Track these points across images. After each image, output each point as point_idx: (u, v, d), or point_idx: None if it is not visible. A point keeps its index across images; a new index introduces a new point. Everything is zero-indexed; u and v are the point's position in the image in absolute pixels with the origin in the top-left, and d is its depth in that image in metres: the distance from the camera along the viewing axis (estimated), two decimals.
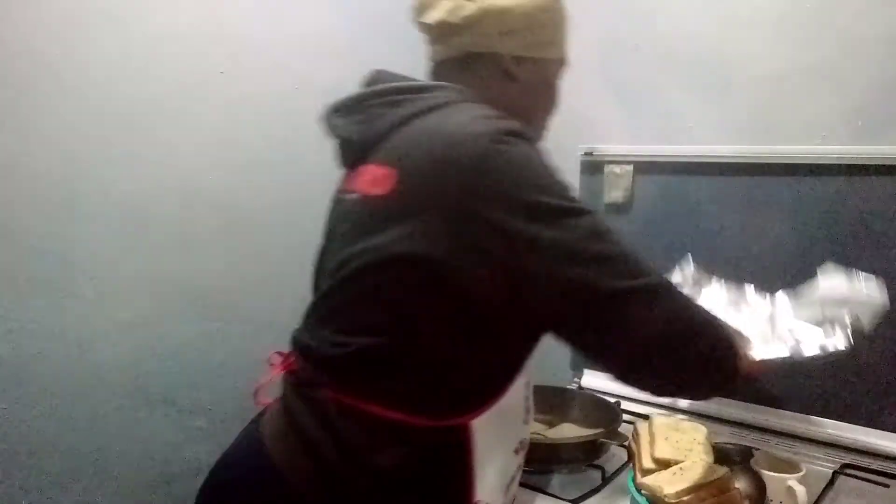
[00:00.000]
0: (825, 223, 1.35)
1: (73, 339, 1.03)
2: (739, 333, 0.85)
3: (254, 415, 0.92)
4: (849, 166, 1.31)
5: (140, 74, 1.07)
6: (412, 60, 1.49)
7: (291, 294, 1.34)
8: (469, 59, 0.89)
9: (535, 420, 1.34)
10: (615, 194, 1.60)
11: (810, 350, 0.97)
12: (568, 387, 1.54)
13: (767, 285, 1.42)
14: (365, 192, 0.81)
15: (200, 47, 1.15)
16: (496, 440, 0.82)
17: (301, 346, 0.86)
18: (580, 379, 1.65)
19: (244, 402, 1.26)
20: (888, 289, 1.29)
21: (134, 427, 1.12)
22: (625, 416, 1.27)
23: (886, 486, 1.16)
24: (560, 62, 0.96)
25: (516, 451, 0.88)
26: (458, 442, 0.79)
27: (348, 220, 0.84)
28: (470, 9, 0.85)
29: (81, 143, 1.02)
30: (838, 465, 1.19)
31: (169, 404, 1.16)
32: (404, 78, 0.88)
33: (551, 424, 1.33)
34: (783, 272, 1.41)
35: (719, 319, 0.82)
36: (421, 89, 0.85)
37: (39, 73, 0.97)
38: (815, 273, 1.37)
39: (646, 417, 1.23)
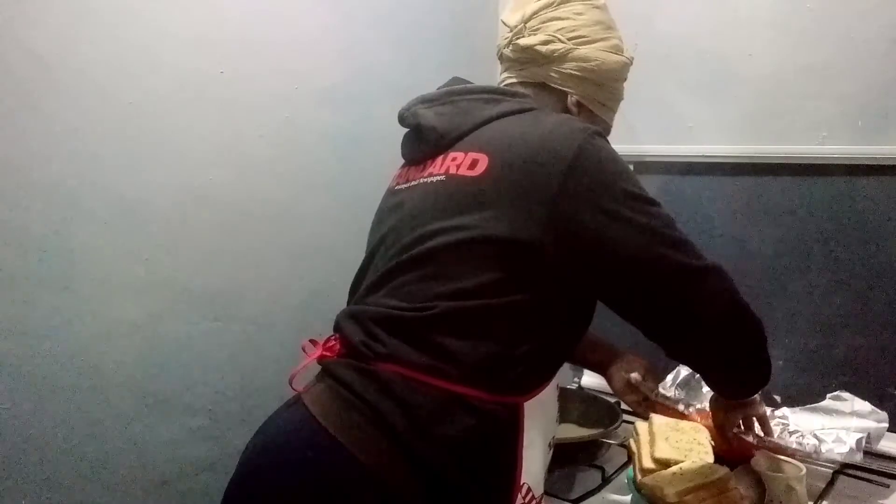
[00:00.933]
0: (825, 223, 1.35)
1: (73, 339, 1.03)
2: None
3: (264, 411, 0.91)
4: (849, 166, 1.31)
5: (140, 74, 1.07)
6: (411, 61, 1.49)
7: (291, 294, 1.35)
8: (541, 89, 0.99)
9: None
10: None
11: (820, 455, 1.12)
12: (568, 387, 1.54)
13: (767, 285, 1.42)
14: (453, 174, 0.87)
15: (200, 47, 1.15)
16: (539, 426, 0.89)
17: (351, 327, 0.87)
18: (580, 379, 1.65)
19: (244, 402, 1.27)
20: (888, 288, 1.30)
21: (133, 427, 1.12)
22: (625, 416, 1.27)
23: (886, 486, 1.16)
24: (607, 129, 1.04)
25: (550, 446, 0.95)
26: (512, 420, 0.84)
27: (427, 199, 0.89)
28: (560, 47, 0.96)
29: (81, 143, 1.02)
30: (838, 466, 1.19)
31: (169, 404, 1.16)
32: (481, 86, 0.97)
33: None
34: (783, 272, 1.41)
35: None
36: (513, 94, 0.95)
37: (39, 73, 0.97)
38: (816, 273, 1.37)
39: (646, 418, 1.23)
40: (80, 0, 1.00)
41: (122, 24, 1.05)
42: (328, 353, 0.88)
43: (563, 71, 0.97)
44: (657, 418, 1.17)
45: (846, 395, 1.23)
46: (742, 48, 1.42)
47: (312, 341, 0.91)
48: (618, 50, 1.01)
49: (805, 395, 1.29)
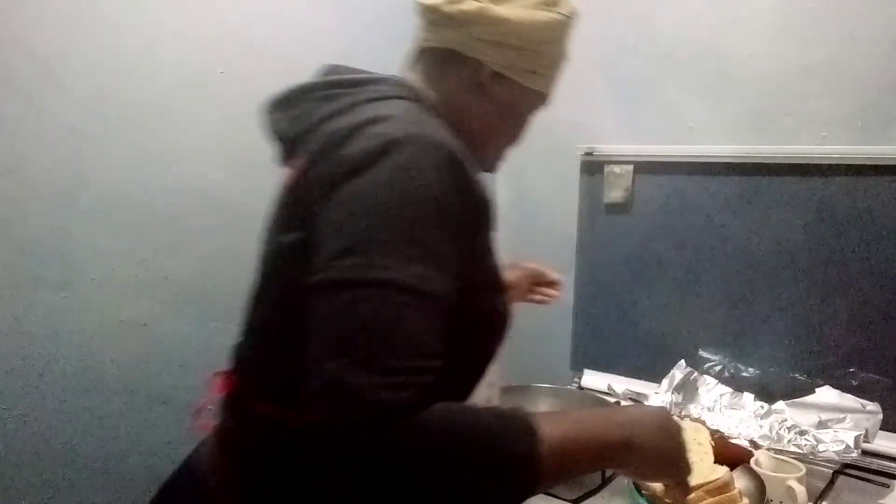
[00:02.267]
0: (825, 223, 1.35)
1: (73, 339, 1.03)
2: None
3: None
4: (849, 166, 1.31)
5: (140, 74, 1.07)
6: None
7: None
8: (451, 56, 0.82)
9: None
10: (615, 194, 1.60)
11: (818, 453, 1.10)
12: (568, 387, 1.54)
13: (767, 285, 1.42)
14: (281, 186, 0.77)
15: (200, 47, 1.15)
16: None
17: (235, 364, 0.82)
18: (580, 379, 1.65)
19: None
20: (888, 288, 1.30)
21: (134, 427, 1.12)
22: None
23: (886, 486, 1.16)
24: (540, 97, 0.89)
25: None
26: None
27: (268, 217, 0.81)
28: (469, 5, 0.79)
29: (81, 143, 1.02)
30: (838, 465, 1.19)
31: (169, 404, 1.16)
32: (353, 72, 0.83)
33: None
34: (783, 272, 1.41)
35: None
36: (358, 83, 0.79)
37: (39, 73, 0.97)
38: (816, 272, 1.37)
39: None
40: (81, 0, 1.00)
41: (123, 24, 1.05)
42: (224, 391, 0.82)
43: (476, 36, 0.80)
44: None
45: (842, 393, 1.24)
46: (742, 48, 1.42)
47: (219, 373, 0.84)
48: (547, 4, 0.83)
49: (803, 393, 1.29)
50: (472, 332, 0.73)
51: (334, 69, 0.85)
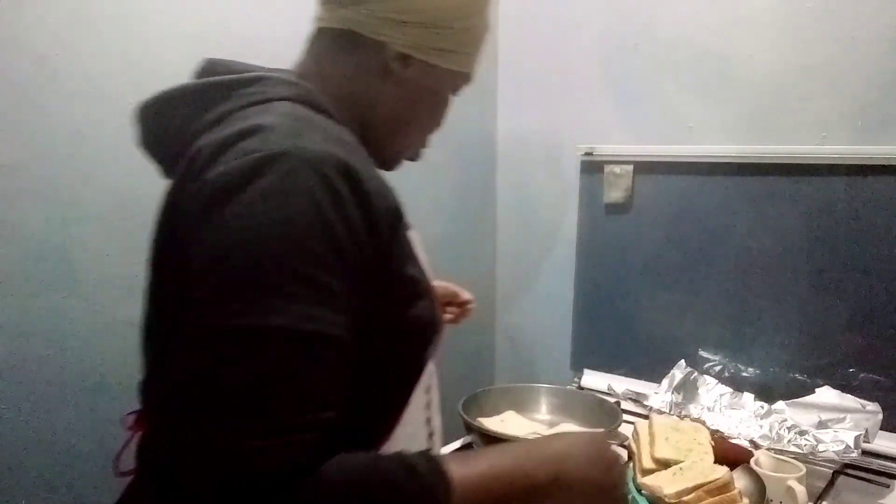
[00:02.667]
0: (825, 223, 1.35)
1: (73, 339, 1.03)
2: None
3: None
4: (849, 166, 1.31)
5: (140, 74, 1.07)
6: None
7: None
8: (349, 38, 0.73)
9: (535, 420, 1.34)
10: (615, 194, 1.60)
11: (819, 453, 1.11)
12: (568, 387, 1.54)
13: (767, 285, 1.42)
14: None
15: (200, 47, 1.15)
16: None
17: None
18: (580, 379, 1.65)
19: None
20: (888, 288, 1.30)
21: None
22: (625, 416, 1.27)
23: (886, 486, 1.16)
24: (462, 77, 0.80)
25: None
26: None
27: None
28: None
29: (81, 143, 1.02)
30: (838, 465, 1.19)
31: None
32: (233, 68, 0.73)
33: (551, 424, 1.33)
34: (783, 272, 1.41)
35: None
36: (235, 84, 0.69)
37: (39, 73, 0.97)
38: (815, 272, 1.37)
39: (646, 417, 1.23)
40: (81, 0, 1.00)
41: (123, 24, 1.05)
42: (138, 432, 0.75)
43: (376, 15, 0.71)
44: (657, 418, 1.17)
45: (842, 393, 1.24)
46: (742, 48, 1.42)
47: (135, 412, 0.77)
48: None
49: (802, 392, 1.29)
50: (395, 343, 0.69)
51: (211, 66, 0.74)
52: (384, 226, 0.63)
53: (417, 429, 0.77)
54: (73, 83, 1.00)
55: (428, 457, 0.60)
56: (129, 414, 0.74)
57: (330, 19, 0.75)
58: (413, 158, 0.86)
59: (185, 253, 0.60)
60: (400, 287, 0.68)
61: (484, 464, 0.63)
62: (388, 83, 0.75)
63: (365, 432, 0.69)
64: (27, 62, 0.95)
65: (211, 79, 0.70)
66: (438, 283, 1.13)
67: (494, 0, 1.79)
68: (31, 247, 0.98)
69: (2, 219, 0.95)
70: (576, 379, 1.66)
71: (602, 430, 1.00)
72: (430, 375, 0.78)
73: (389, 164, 0.84)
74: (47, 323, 1.00)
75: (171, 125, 0.70)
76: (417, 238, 0.79)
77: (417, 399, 0.75)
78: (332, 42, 0.75)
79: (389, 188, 0.66)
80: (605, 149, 1.61)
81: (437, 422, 0.82)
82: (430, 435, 0.80)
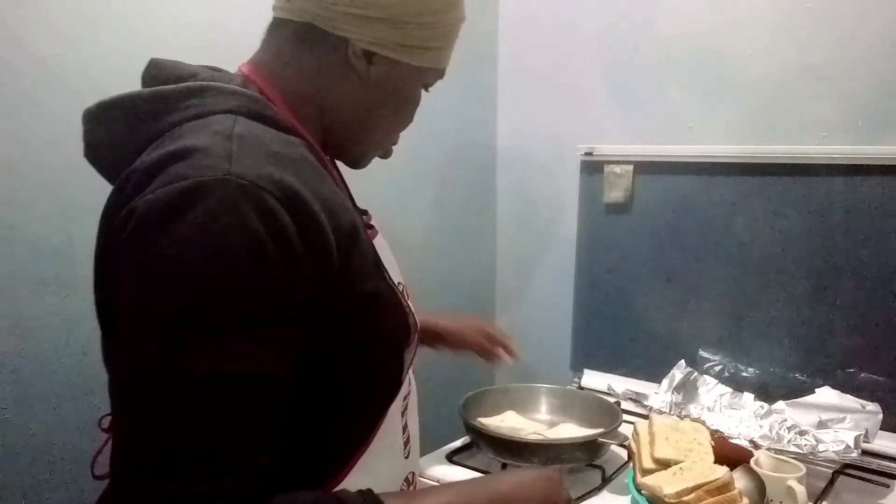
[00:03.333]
0: (825, 223, 1.35)
1: (73, 339, 1.03)
2: None
3: None
4: (849, 166, 1.31)
5: (140, 74, 1.07)
6: None
7: None
8: (310, 32, 0.70)
9: (536, 420, 1.34)
10: (615, 194, 1.60)
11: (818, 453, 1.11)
12: (568, 387, 1.54)
13: (767, 285, 1.42)
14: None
15: (200, 47, 1.15)
16: (377, 488, 0.64)
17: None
18: (580, 379, 1.65)
19: None
20: (888, 288, 1.30)
21: None
22: (625, 416, 1.27)
23: (886, 486, 1.16)
24: (433, 73, 0.77)
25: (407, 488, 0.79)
26: None
27: None
28: None
29: (81, 143, 1.02)
30: (838, 465, 1.19)
31: None
32: (176, 73, 0.69)
33: (551, 424, 1.33)
34: (783, 272, 1.41)
35: None
36: (180, 96, 0.65)
37: (39, 73, 0.97)
38: (815, 272, 1.37)
39: (646, 417, 1.23)
40: (81, 0, 1.00)
41: (123, 24, 1.05)
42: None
43: (336, 9, 0.68)
44: (657, 418, 1.17)
45: (842, 393, 1.24)
46: (742, 48, 1.42)
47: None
48: None
49: (802, 392, 1.29)
50: (367, 359, 0.68)
51: (155, 69, 0.70)
52: (337, 246, 0.61)
53: (394, 439, 0.76)
54: (73, 83, 1.00)
55: (367, 496, 0.60)
56: (105, 416, 0.71)
57: (289, 10, 0.71)
58: (384, 156, 0.83)
59: (115, 279, 0.58)
60: (360, 306, 0.66)
61: (427, 502, 0.64)
62: (352, 80, 0.72)
63: (339, 447, 0.68)
64: (27, 62, 0.95)
65: (148, 90, 0.65)
66: (479, 323, 1.17)
67: (494, 1, 1.80)
68: (31, 247, 0.98)
69: (2, 219, 0.95)
70: (576, 379, 1.66)
71: (556, 467, 0.95)
72: (407, 382, 0.77)
73: (357, 163, 0.82)
74: (47, 323, 1.00)
75: (108, 139, 0.67)
76: (381, 239, 0.78)
77: (394, 408, 0.74)
78: (292, 35, 0.71)
79: (341, 204, 0.64)
80: (605, 149, 1.61)
81: (413, 426, 0.81)
82: (406, 442, 0.79)
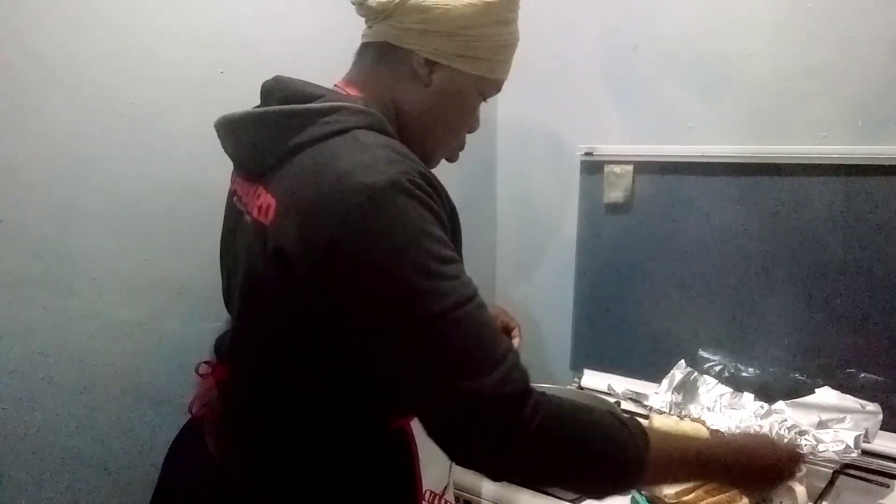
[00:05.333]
0: (825, 223, 1.35)
1: (73, 339, 1.03)
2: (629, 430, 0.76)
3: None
4: (849, 166, 1.31)
5: (140, 74, 1.07)
6: None
7: None
8: (386, 49, 0.86)
9: None
10: (615, 194, 1.60)
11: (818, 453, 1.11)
12: (568, 387, 1.54)
13: (767, 285, 1.42)
14: (256, 218, 0.79)
15: (200, 47, 1.15)
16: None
17: (232, 358, 0.91)
18: (580, 379, 1.65)
19: None
20: (888, 288, 1.30)
21: (133, 427, 1.12)
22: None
23: (886, 486, 1.16)
24: (489, 83, 0.91)
25: None
26: (402, 444, 0.86)
27: (245, 240, 0.83)
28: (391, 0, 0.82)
29: (81, 143, 1.02)
30: (838, 465, 1.19)
31: (169, 404, 1.16)
32: (305, 87, 0.83)
33: None
34: (783, 272, 1.41)
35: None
36: (317, 113, 0.78)
37: (39, 73, 0.97)
38: (815, 272, 1.37)
39: (646, 417, 1.23)
40: (81, 0, 1.00)
41: (123, 24, 1.05)
42: (220, 380, 0.92)
43: (403, 26, 0.83)
44: (657, 418, 1.17)
45: (842, 393, 1.24)
46: (742, 48, 1.42)
47: (209, 362, 0.96)
48: None
49: (802, 392, 1.29)
50: None
51: (275, 83, 0.87)
52: (450, 217, 0.78)
53: None
54: (73, 83, 1.00)
55: (635, 420, 0.76)
56: (202, 363, 0.94)
57: (371, 35, 0.87)
58: (451, 159, 0.98)
59: (312, 273, 0.71)
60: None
61: (680, 442, 0.82)
62: (419, 87, 0.86)
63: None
64: (27, 62, 0.95)
65: (295, 107, 0.79)
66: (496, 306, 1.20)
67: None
68: (31, 247, 0.98)
69: (2, 219, 0.95)
70: (576, 379, 1.66)
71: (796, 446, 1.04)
72: None
73: (428, 164, 0.92)
74: (47, 323, 1.00)
75: (253, 141, 0.82)
76: None
77: None
78: (374, 54, 0.87)
79: (444, 189, 0.80)
80: (605, 149, 1.61)
81: None
82: None
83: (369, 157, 0.72)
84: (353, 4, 0.88)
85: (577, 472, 0.73)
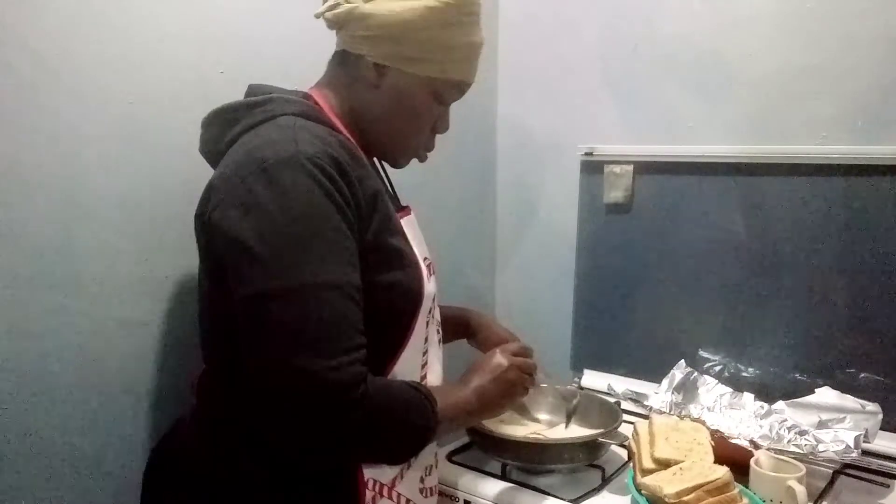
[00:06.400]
0: (825, 223, 1.35)
1: (73, 339, 1.03)
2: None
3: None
4: (849, 166, 1.31)
5: (140, 74, 1.07)
6: None
7: None
8: (344, 56, 0.94)
9: (535, 420, 1.34)
10: (615, 194, 1.60)
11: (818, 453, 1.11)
12: (568, 387, 1.54)
13: (767, 285, 1.42)
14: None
15: (200, 47, 1.15)
16: None
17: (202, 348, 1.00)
18: (580, 379, 1.65)
19: None
20: (888, 288, 1.30)
21: (134, 427, 1.12)
22: (625, 416, 1.27)
23: (886, 486, 1.16)
24: (441, 83, 0.94)
25: None
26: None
27: None
28: (341, 8, 0.89)
29: (81, 143, 1.02)
30: (838, 465, 1.19)
31: (169, 404, 1.16)
32: (257, 92, 0.92)
33: (551, 424, 1.33)
34: (783, 272, 1.41)
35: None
36: (254, 105, 0.88)
37: (39, 73, 0.97)
38: (814, 272, 1.37)
39: (646, 417, 1.23)
40: (81, 0, 1.00)
41: (123, 23, 1.05)
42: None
43: (356, 34, 0.90)
44: (657, 418, 1.17)
45: (842, 393, 1.24)
46: (742, 48, 1.42)
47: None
48: None
49: (802, 392, 1.29)
50: (377, 302, 0.84)
51: (252, 90, 0.94)
52: (366, 202, 0.83)
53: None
54: (73, 83, 1.00)
55: (425, 389, 0.87)
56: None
57: (337, 43, 0.95)
58: (420, 159, 1.03)
59: (213, 244, 0.84)
60: (376, 253, 0.85)
61: (450, 395, 0.93)
62: (372, 91, 0.92)
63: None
64: (27, 61, 0.95)
65: (234, 101, 0.90)
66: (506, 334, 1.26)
67: (494, 1, 1.80)
68: (31, 247, 0.98)
69: (2, 219, 0.95)
70: (576, 379, 1.66)
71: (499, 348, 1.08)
72: (422, 340, 0.95)
73: (395, 163, 1.03)
74: (47, 323, 1.00)
75: (211, 136, 0.93)
76: (412, 221, 1.00)
77: (411, 358, 0.93)
78: (337, 60, 0.96)
79: (367, 175, 0.86)
80: (605, 149, 1.61)
81: (432, 380, 0.99)
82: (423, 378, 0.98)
83: (280, 137, 0.81)
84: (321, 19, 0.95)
85: (391, 450, 0.85)
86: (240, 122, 0.88)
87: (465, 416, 0.95)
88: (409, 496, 0.94)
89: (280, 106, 0.87)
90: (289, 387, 0.73)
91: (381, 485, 0.90)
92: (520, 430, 1.28)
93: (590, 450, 1.17)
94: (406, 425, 0.84)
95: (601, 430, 1.20)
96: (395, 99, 0.93)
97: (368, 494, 0.87)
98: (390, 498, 0.91)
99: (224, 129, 0.90)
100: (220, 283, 0.82)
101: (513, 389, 1.00)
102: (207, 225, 0.83)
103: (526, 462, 1.17)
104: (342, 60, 0.95)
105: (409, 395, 0.85)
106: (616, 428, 1.20)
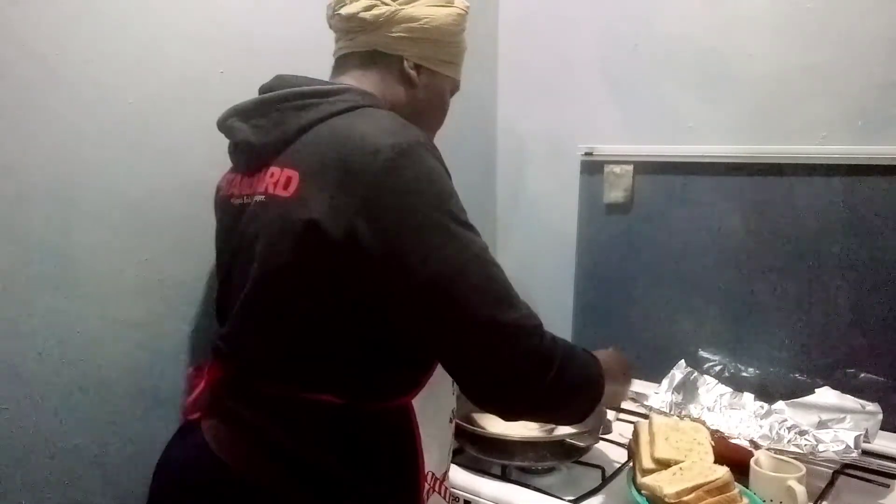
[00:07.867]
0: (825, 223, 1.35)
1: (73, 339, 1.03)
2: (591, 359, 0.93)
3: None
4: (849, 166, 1.31)
5: (140, 74, 1.07)
6: None
7: None
8: (374, 56, 0.96)
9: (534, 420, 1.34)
10: (615, 194, 1.60)
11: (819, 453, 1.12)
12: None
13: (767, 285, 1.43)
14: (273, 194, 0.84)
15: (200, 47, 1.15)
16: (434, 414, 0.93)
17: (229, 354, 0.92)
18: None
19: None
20: (889, 288, 1.30)
21: (133, 427, 1.12)
22: (625, 416, 1.27)
23: (886, 486, 1.16)
24: (454, 84, 1.04)
25: (450, 420, 1.00)
26: (404, 421, 0.88)
27: (255, 222, 0.87)
28: (384, 10, 0.92)
29: (81, 143, 1.02)
30: (838, 465, 1.19)
31: (169, 404, 1.16)
32: (309, 81, 0.91)
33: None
34: (783, 272, 1.41)
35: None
36: (327, 94, 0.88)
37: (39, 73, 0.97)
38: (814, 272, 1.37)
39: (646, 417, 1.23)
40: (81, 0, 1.00)
41: (123, 23, 1.05)
42: (213, 380, 0.94)
43: (394, 35, 0.94)
44: (657, 418, 1.17)
45: (842, 393, 1.24)
46: (742, 48, 1.42)
47: (197, 367, 0.99)
48: (448, 1, 0.97)
49: (802, 392, 1.29)
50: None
51: (281, 82, 0.93)
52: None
53: (443, 389, 0.95)
54: (73, 83, 1.00)
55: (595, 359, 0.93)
56: (194, 368, 0.99)
57: (353, 46, 0.97)
58: None
59: (348, 225, 0.77)
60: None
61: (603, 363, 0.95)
62: (407, 87, 0.97)
63: (414, 364, 0.89)
64: (27, 61, 0.95)
65: (307, 88, 0.88)
66: None
67: (494, 1, 1.80)
68: (31, 247, 0.98)
69: (2, 219, 0.95)
70: None
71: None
72: None
73: None
74: (47, 323, 1.00)
75: (268, 123, 0.89)
76: None
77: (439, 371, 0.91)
78: (358, 61, 0.97)
79: None
80: (605, 149, 1.61)
81: None
82: (452, 383, 0.96)
83: (387, 124, 0.83)
84: (340, 17, 0.96)
85: (581, 398, 0.90)
86: (313, 108, 0.86)
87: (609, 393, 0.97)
88: (450, 494, 1.00)
89: (359, 97, 0.89)
90: (501, 341, 0.78)
91: (436, 479, 0.94)
92: (520, 430, 1.27)
93: (590, 450, 1.17)
94: (590, 369, 0.90)
95: (601, 431, 1.20)
96: (427, 97, 0.99)
97: (426, 486, 0.91)
98: (440, 493, 0.95)
99: (296, 114, 0.86)
100: (339, 281, 0.79)
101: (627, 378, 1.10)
102: (357, 218, 0.76)
103: (525, 460, 1.17)
104: (371, 61, 0.96)
105: (578, 349, 0.90)
106: (601, 425, 1.20)
